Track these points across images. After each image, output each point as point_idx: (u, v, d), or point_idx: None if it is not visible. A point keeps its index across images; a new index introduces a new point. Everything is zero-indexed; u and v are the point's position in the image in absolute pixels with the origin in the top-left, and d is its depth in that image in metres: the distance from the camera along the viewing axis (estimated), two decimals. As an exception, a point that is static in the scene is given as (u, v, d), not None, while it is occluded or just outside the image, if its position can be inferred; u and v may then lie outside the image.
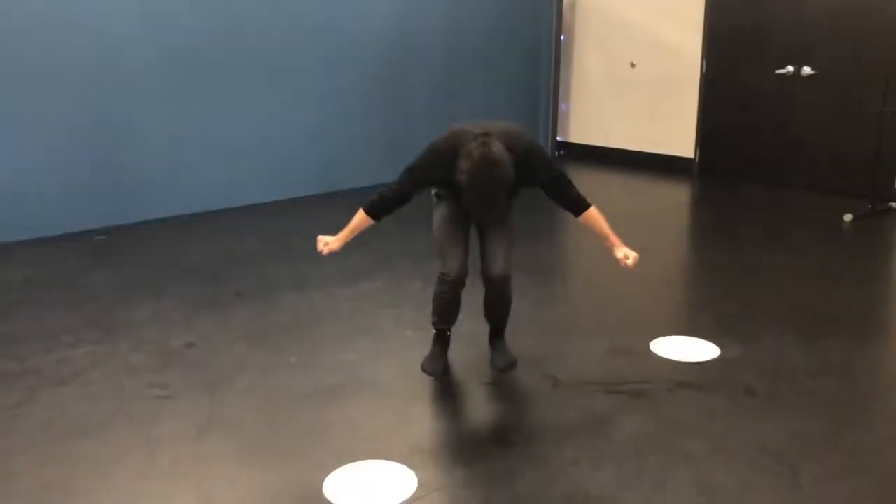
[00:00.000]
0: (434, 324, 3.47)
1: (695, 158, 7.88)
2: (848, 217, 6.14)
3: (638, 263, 3.18)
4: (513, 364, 3.51)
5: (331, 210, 4.36)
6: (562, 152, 8.91)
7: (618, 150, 8.42)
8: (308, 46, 6.63)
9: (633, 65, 8.18)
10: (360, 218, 3.17)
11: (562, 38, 8.62)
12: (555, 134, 8.81)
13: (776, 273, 4.95)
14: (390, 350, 3.76)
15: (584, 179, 8.07)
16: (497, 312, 3.54)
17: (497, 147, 2.86)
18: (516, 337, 3.68)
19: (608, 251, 3.27)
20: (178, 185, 6.15)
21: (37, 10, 5.32)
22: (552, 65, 8.58)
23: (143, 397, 3.27)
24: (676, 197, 7.33)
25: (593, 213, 3.24)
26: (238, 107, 6.35)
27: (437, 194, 3.37)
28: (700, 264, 5.46)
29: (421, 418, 3.16)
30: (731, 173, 7.60)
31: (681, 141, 7.93)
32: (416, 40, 7.36)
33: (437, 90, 7.61)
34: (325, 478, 2.68)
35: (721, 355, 3.71)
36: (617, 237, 3.25)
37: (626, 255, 3.22)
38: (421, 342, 3.59)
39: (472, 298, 3.44)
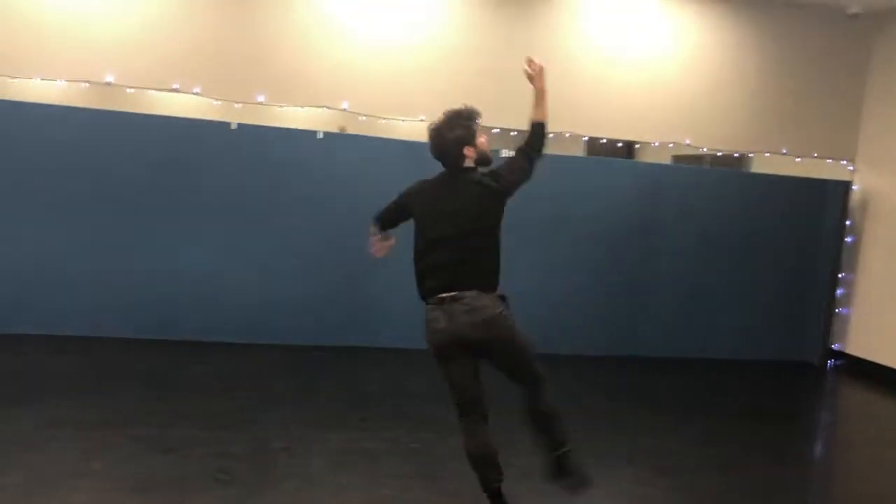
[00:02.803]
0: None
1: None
2: None
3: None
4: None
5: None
6: (836, 362, 7.99)
7: (897, 371, 7.33)
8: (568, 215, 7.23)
9: (924, 278, 7.19)
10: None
11: (847, 239, 7.94)
12: (827, 339, 7.97)
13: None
14: None
15: (855, 399, 7.18)
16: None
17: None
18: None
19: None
20: (408, 318, 6.97)
21: (302, 157, 6.75)
22: (830, 265, 7.90)
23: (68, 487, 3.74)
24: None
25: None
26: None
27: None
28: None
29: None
30: None
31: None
32: (666, 219, 7.47)
33: (682, 274, 7.56)
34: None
35: None
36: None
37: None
38: None
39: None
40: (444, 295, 3.41)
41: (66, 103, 6.68)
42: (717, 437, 5.37)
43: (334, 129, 6.86)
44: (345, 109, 6.92)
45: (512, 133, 7.07)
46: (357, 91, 6.91)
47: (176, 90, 6.64)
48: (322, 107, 6.91)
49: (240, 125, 6.66)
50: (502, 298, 3.50)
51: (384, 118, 7.04)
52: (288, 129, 6.87)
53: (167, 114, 6.76)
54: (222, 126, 6.59)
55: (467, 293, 3.38)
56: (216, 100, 6.73)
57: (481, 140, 3.56)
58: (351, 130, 7.20)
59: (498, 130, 7.05)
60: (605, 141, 7.56)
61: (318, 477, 4.10)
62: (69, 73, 6.54)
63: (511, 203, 3.56)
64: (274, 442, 4.52)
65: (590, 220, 7.32)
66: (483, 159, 3.58)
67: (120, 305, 6.50)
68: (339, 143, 6.87)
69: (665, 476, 4.54)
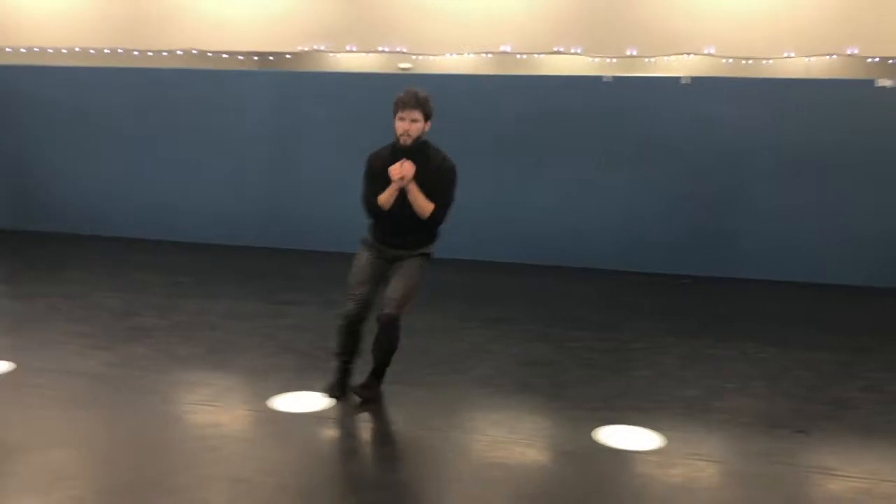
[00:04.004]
0: (336, 355, 4.23)
1: None
2: None
3: None
4: (370, 397, 4.16)
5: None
6: None
7: None
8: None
9: None
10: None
11: None
12: None
13: None
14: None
15: None
16: (379, 351, 4.14)
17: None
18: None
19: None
20: (769, 252, 7.33)
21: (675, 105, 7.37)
22: None
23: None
24: None
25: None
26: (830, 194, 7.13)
27: (363, 240, 4.21)
28: None
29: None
30: None
31: None
32: None
33: None
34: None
35: None
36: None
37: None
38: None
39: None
40: None
41: (472, 72, 8.21)
42: None
43: (684, 75, 7.36)
44: (709, 54, 7.40)
45: (890, 61, 6.94)
46: (720, 35, 7.34)
47: (559, 52, 7.75)
48: (686, 53, 7.48)
49: (613, 78, 7.53)
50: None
51: (747, 59, 7.37)
52: (654, 78, 7.56)
53: (551, 73, 7.91)
54: (596, 80, 7.52)
55: None
56: (593, 57, 7.70)
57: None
58: (715, 73, 7.63)
59: (877, 59, 6.96)
60: None
61: (666, 370, 4.92)
62: (475, 47, 8.03)
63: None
64: (633, 343, 5.43)
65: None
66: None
67: (513, 236, 7.86)
68: (703, 87, 7.37)
69: None
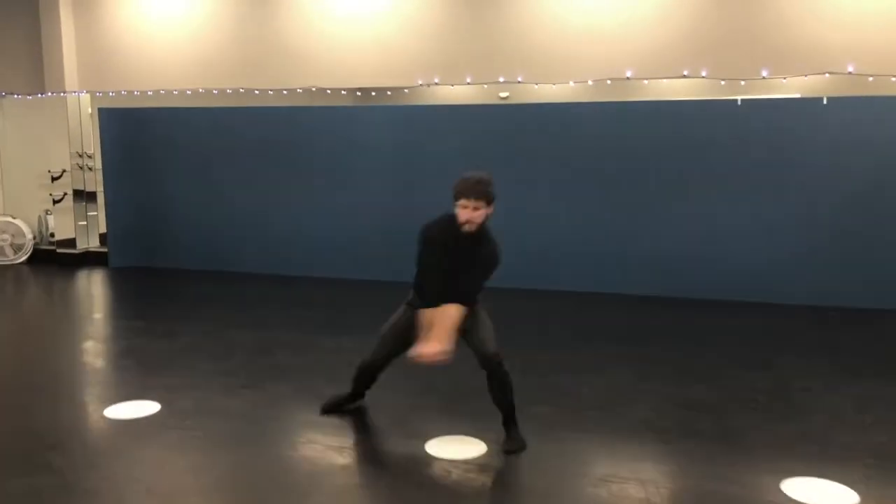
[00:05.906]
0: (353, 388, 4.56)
1: None
2: None
3: None
4: (522, 447, 4.10)
5: None
6: None
7: None
8: None
9: None
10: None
11: None
12: None
13: None
14: None
15: None
16: (500, 395, 4.11)
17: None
18: None
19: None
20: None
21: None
22: None
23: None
24: None
25: (456, 309, 3.89)
26: None
27: (408, 302, 4.25)
28: None
29: None
30: None
31: None
32: None
33: None
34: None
35: None
36: (442, 340, 3.80)
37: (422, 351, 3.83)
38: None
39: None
40: None
41: (594, 100, 7.99)
42: None
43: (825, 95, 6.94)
44: (850, 73, 6.99)
45: None
46: (860, 52, 6.94)
47: (685, 76, 7.47)
48: (825, 73, 7.08)
49: (744, 100, 7.20)
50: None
51: (893, 76, 6.92)
52: (790, 99, 7.19)
53: (679, 98, 7.63)
54: (730, 104, 7.20)
55: None
56: (723, 80, 7.38)
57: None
58: (858, 92, 7.18)
59: None
60: None
61: (842, 412, 4.54)
62: (595, 74, 7.83)
63: None
64: (796, 382, 5.06)
65: None
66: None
67: (649, 268, 7.57)
68: (847, 107, 6.94)
69: None
